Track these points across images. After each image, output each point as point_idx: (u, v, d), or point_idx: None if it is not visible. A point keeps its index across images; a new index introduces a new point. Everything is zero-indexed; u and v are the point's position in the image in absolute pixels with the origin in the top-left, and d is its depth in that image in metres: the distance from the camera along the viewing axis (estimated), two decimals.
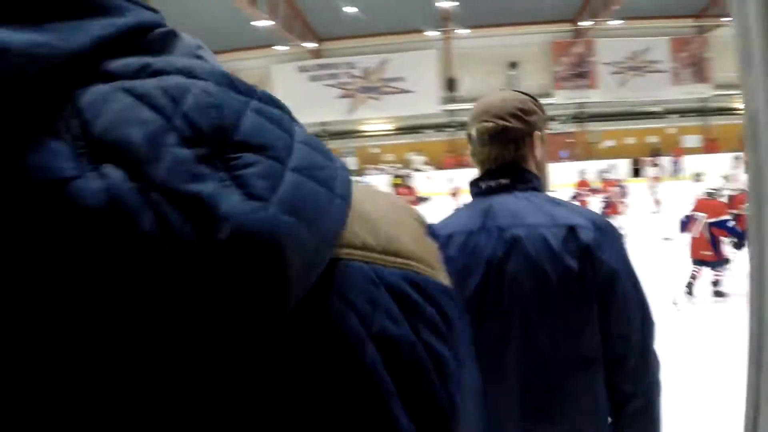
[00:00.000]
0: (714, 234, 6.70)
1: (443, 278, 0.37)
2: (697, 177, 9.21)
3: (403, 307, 0.33)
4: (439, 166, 26.89)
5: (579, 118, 27.77)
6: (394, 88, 27.65)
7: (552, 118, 28.43)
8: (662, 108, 28.28)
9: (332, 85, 27.88)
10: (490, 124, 1.30)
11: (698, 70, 28.03)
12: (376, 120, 28.07)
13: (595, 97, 27.57)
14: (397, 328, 0.32)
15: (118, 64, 0.29)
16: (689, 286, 6.76)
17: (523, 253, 1.21)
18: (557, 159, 24.91)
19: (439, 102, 27.49)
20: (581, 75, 27.50)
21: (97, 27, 0.28)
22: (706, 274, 6.85)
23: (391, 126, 28.19)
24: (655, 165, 19.45)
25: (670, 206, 11.88)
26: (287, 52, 27.02)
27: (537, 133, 1.35)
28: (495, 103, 1.34)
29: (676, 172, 25.80)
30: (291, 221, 0.28)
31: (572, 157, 27.60)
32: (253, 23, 21.29)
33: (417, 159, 27.66)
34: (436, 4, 22.45)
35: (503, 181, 1.29)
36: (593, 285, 1.19)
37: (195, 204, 0.26)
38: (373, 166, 27.29)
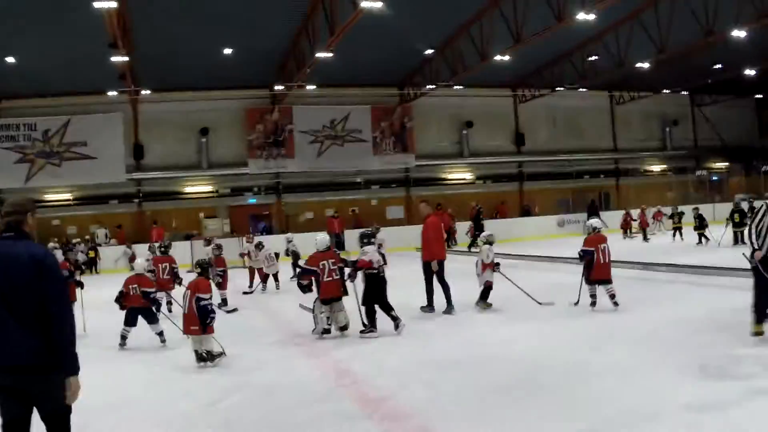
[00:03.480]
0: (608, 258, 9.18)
1: None
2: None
3: None
4: (121, 241, 24.74)
5: (275, 189, 26.59)
6: (76, 153, 25.22)
7: (249, 189, 27.10)
8: (363, 178, 27.73)
9: (9, 148, 25.02)
10: (10, 209, 3.26)
11: (400, 140, 27.79)
12: (56, 188, 25.45)
13: (291, 166, 26.52)
14: None
15: None
16: (594, 302, 9.11)
17: (15, 263, 3.07)
18: (253, 231, 23.45)
19: (125, 170, 25.36)
20: (277, 143, 26.39)
21: None
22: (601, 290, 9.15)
23: (72, 195, 25.68)
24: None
25: None
26: None
27: (29, 214, 3.30)
28: (13, 200, 3.36)
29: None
30: None
31: (272, 230, 26.33)
32: None
33: (99, 232, 25.33)
34: (112, 59, 19.68)
35: (12, 234, 3.20)
36: (43, 281, 3.08)
37: None
38: (56, 240, 24.63)
